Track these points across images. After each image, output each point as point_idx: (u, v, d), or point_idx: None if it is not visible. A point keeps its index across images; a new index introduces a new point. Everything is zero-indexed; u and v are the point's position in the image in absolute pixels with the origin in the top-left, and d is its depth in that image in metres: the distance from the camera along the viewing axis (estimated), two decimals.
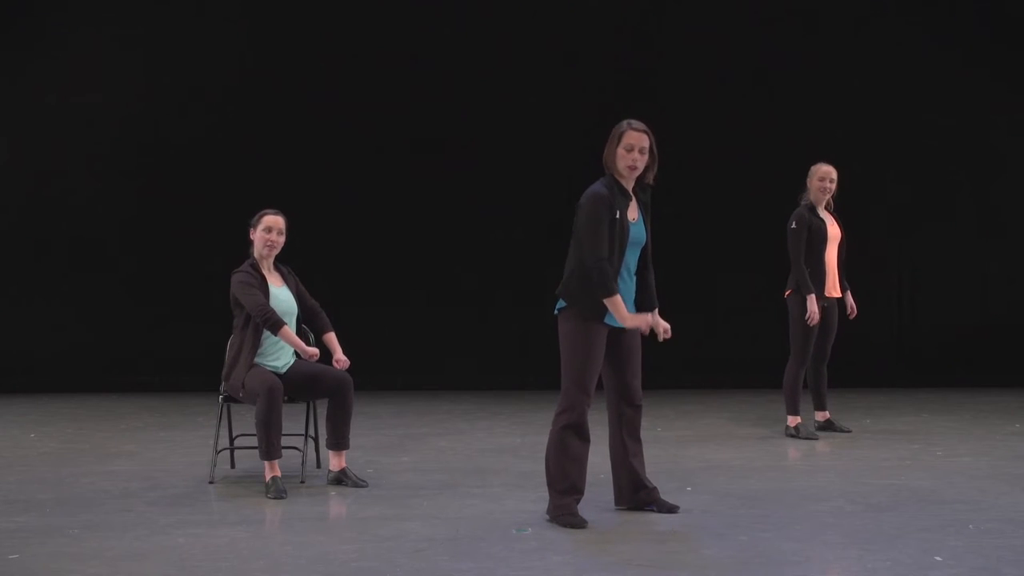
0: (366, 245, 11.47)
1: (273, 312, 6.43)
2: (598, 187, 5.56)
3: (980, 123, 11.71)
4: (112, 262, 11.44)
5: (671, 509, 5.81)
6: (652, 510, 5.79)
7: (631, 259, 5.62)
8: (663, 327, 5.65)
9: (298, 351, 6.53)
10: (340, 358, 6.66)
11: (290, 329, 6.50)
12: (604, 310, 5.50)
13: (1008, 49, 11.66)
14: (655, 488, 5.85)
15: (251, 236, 6.70)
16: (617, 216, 5.48)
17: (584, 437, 5.59)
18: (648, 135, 5.58)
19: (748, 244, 11.14)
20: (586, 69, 11.57)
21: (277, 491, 6.27)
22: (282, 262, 6.82)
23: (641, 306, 5.73)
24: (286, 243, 6.75)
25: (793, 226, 8.20)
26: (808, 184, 8.31)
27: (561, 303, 5.60)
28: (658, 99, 11.48)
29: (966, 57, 11.66)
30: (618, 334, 5.65)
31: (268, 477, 6.36)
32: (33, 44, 11.42)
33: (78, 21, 11.49)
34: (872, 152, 11.44)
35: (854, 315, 8.49)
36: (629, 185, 5.61)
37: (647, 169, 5.63)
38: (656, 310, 5.75)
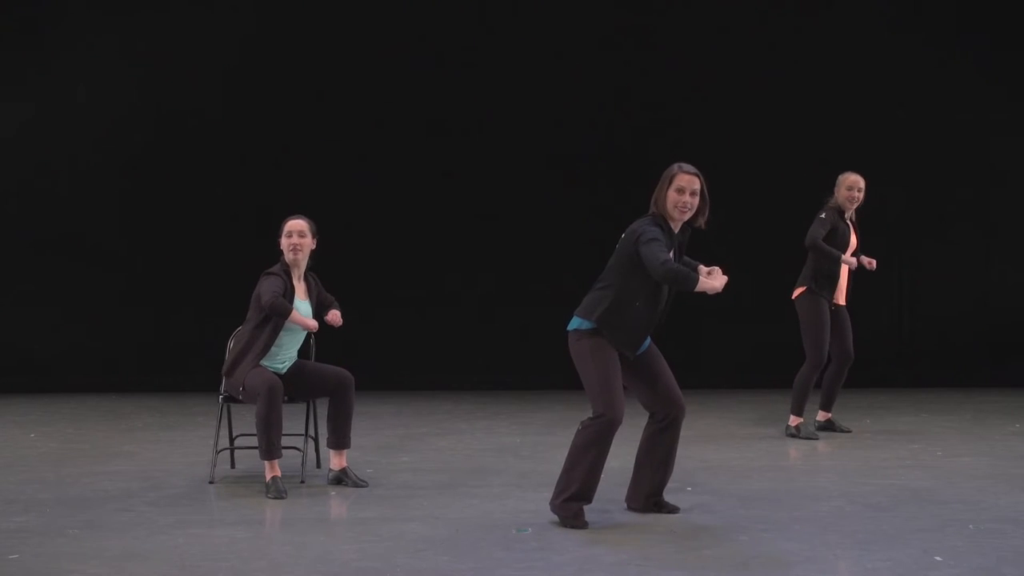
0: (367, 245, 11.45)
1: (280, 298, 6.41)
2: (651, 224, 5.61)
3: (980, 124, 11.69)
4: (112, 262, 11.43)
5: (672, 510, 5.86)
6: (654, 510, 5.84)
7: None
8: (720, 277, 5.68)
9: (301, 325, 6.55)
10: (333, 311, 6.72)
11: (299, 315, 6.51)
12: (637, 344, 5.67)
13: (1008, 50, 11.65)
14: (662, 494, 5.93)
15: (280, 246, 6.70)
16: None
17: (609, 443, 5.62)
18: (699, 178, 5.64)
19: (749, 244, 11.14)
20: (587, 69, 11.55)
21: (277, 491, 6.27)
22: (311, 271, 6.81)
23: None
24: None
25: (822, 215, 8.19)
26: (836, 193, 8.28)
27: (582, 323, 5.63)
28: (660, 101, 11.48)
29: (966, 59, 11.65)
30: (638, 358, 5.76)
31: (268, 477, 6.36)
32: (34, 43, 11.41)
33: (79, 20, 11.48)
34: (872, 153, 11.41)
35: (874, 266, 8.35)
36: (676, 227, 5.68)
37: (698, 212, 5.69)
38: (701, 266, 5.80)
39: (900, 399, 10.48)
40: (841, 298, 8.33)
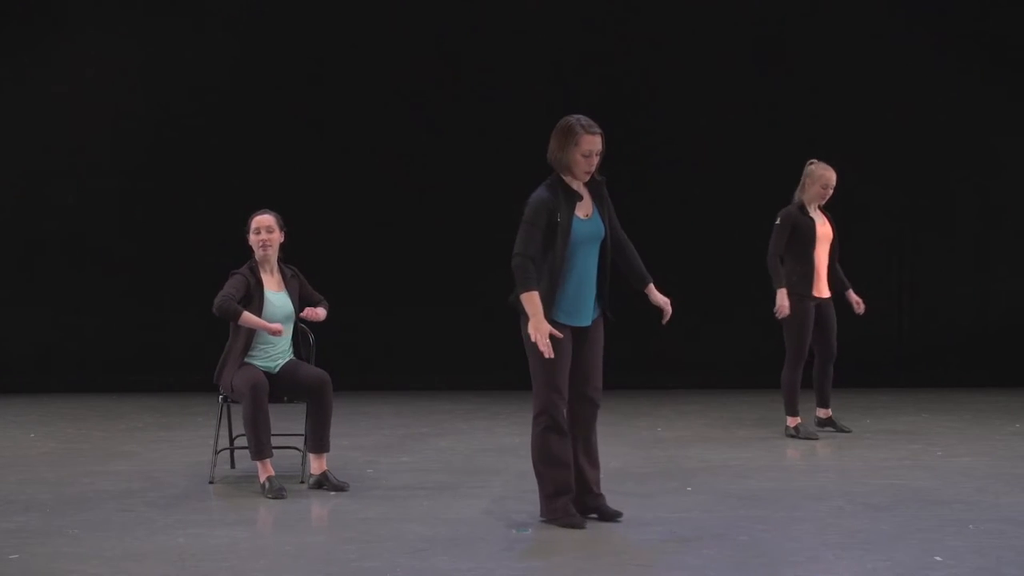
0: (366, 245, 11.45)
1: (228, 301, 6.34)
2: (540, 192, 5.50)
3: (979, 123, 11.68)
4: (112, 262, 11.43)
5: (613, 516, 5.65)
6: (594, 518, 5.65)
7: (587, 257, 5.52)
8: (668, 309, 5.62)
9: (264, 330, 6.42)
10: (307, 312, 6.62)
11: (253, 316, 6.39)
12: (568, 312, 5.46)
13: (1009, 49, 11.64)
14: (600, 495, 5.70)
15: (249, 242, 6.69)
16: (559, 219, 5.41)
17: (563, 433, 5.51)
18: (601, 134, 5.47)
19: (749, 242, 11.12)
20: (571, 64, 11.52)
21: (276, 490, 6.24)
22: (286, 263, 6.79)
23: (632, 284, 5.70)
24: (289, 242, 6.73)
25: (777, 222, 8.16)
26: (805, 183, 8.20)
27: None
28: (646, 95, 11.45)
29: (967, 57, 11.65)
30: (580, 332, 5.58)
31: (263, 478, 6.32)
32: (32, 44, 11.42)
33: (80, 21, 11.49)
34: (871, 152, 11.42)
35: (862, 309, 8.42)
36: (579, 185, 5.54)
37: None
38: (651, 285, 5.70)
39: (900, 399, 10.47)
40: (823, 291, 8.27)
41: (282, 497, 6.22)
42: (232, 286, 6.46)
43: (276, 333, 6.43)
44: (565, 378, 5.48)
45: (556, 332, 5.33)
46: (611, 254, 5.63)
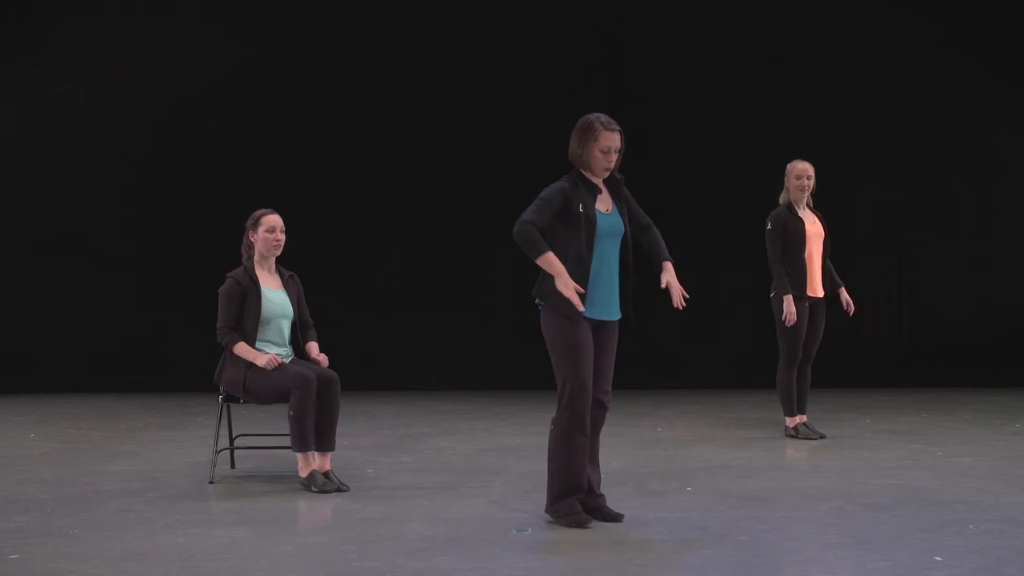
0: (366, 245, 11.47)
1: (225, 334, 6.51)
2: (560, 182, 5.52)
3: (979, 123, 11.70)
4: (112, 262, 11.44)
5: (615, 518, 5.65)
6: (595, 517, 5.64)
7: (609, 251, 5.54)
8: (678, 291, 5.60)
9: (254, 361, 6.47)
10: (316, 356, 6.69)
11: (247, 346, 6.49)
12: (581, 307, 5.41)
13: (1009, 49, 11.65)
14: (602, 495, 5.70)
15: (250, 238, 6.68)
16: (581, 209, 5.43)
17: (585, 434, 5.53)
18: (621, 132, 5.51)
19: (749, 242, 11.12)
20: (572, 64, 11.53)
21: (323, 484, 6.33)
22: (287, 266, 6.80)
23: (652, 258, 5.68)
24: (288, 241, 6.75)
25: (768, 227, 8.16)
26: (786, 183, 8.21)
27: (537, 301, 5.55)
28: (646, 95, 11.46)
29: (967, 57, 11.65)
30: (600, 330, 5.58)
31: (307, 471, 6.39)
32: (32, 44, 11.43)
33: (79, 20, 11.50)
34: (871, 152, 11.43)
35: (852, 310, 8.40)
36: (599, 181, 5.57)
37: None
38: (671, 264, 5.67)
39: (900, 399, 10.47)
40: (816, 290, 8.24)
41: (329, 491, 6.27)
42: (225, 311, 6.55)
43: (267, 366, 6.47)
44: (590, 372, 5.48)
45: (579, 287, 5.32)
46: (632, 250, 5.63)
